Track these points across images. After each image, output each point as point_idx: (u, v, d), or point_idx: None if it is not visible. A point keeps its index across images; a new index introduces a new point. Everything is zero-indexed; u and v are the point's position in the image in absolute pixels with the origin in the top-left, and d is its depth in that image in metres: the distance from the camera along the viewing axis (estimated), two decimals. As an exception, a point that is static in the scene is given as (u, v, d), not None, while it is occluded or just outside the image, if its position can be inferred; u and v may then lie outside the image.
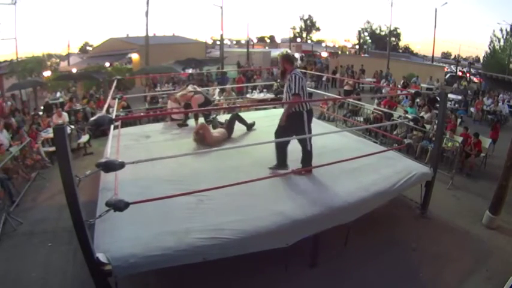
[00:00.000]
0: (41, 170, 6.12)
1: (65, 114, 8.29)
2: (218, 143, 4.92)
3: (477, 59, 28.81)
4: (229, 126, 5.31)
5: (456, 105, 11.34)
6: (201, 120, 5.72)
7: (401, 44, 36.13)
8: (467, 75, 19.83)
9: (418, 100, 9.20)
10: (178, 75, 12.93)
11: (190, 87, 5.88)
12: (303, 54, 30.57)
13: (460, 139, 6.32)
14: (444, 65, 25.15)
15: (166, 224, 2.88)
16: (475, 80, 20.03)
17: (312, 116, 3.81)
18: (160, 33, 26.60)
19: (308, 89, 4.11)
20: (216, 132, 5.18)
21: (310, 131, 3.74)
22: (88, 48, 30.26)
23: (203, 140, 4.85)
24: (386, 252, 3.63)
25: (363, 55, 31.01)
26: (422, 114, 7.91)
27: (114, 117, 3.01)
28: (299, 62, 25.20)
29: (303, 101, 3.62)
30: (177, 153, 3.71)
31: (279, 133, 3.79)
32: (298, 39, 38.30)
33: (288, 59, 3.77)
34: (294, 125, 3.68)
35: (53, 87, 14.51)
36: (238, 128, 5.53)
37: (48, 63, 20.08)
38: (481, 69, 21.64)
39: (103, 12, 49.80)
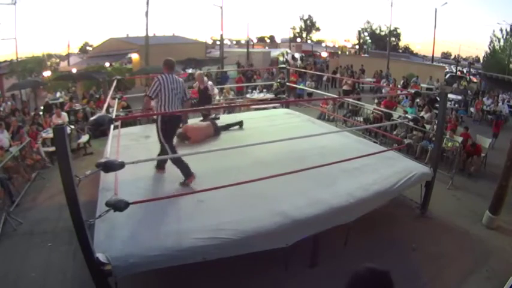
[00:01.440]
0: (41, 170, 6.12)
1: (64, 114, 8.29)
2: (204, 134, 5.03)
3: (477, 59, 28.79)
4: (212, 121, 5.44)
5: (456, 105, 11.34)
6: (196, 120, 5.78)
7: (401, 44, 36.18)
8: (467, 75, 19.83)
9: (418, 100, 9.20)
10: (178, 75, 12.95)
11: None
12: (303, 54, 30.60)
13: (460, 139, 6.31)
14: (444, 65, 25.14)
15: (166, 224, 2.88)
16: (474, 79, 20.03)
17: (171, 126, 3.65)
18: (160, 33, 26.56)
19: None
20: (199, 123, 5.32)
21: (165, 140, 3.58)
22: (88, 48, 30.23)
23: (186, 137, 4.93)
24: (386, 252, 3.62)
25: (362, 55, 31.02)
26: (422, 114, 7.91)
27: (114, 117, 3.02)
28: (299, 62, 25.26)
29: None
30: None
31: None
32: (298, 39, 38.30)
33: (164, 63, 3.70)
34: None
35: (53, 87, 14.51)
36: (238, 128, 5.56)
37: (48, 63, 20.08)
38: (481, 69, 21.62)
39: (103, 12, 49.62)
